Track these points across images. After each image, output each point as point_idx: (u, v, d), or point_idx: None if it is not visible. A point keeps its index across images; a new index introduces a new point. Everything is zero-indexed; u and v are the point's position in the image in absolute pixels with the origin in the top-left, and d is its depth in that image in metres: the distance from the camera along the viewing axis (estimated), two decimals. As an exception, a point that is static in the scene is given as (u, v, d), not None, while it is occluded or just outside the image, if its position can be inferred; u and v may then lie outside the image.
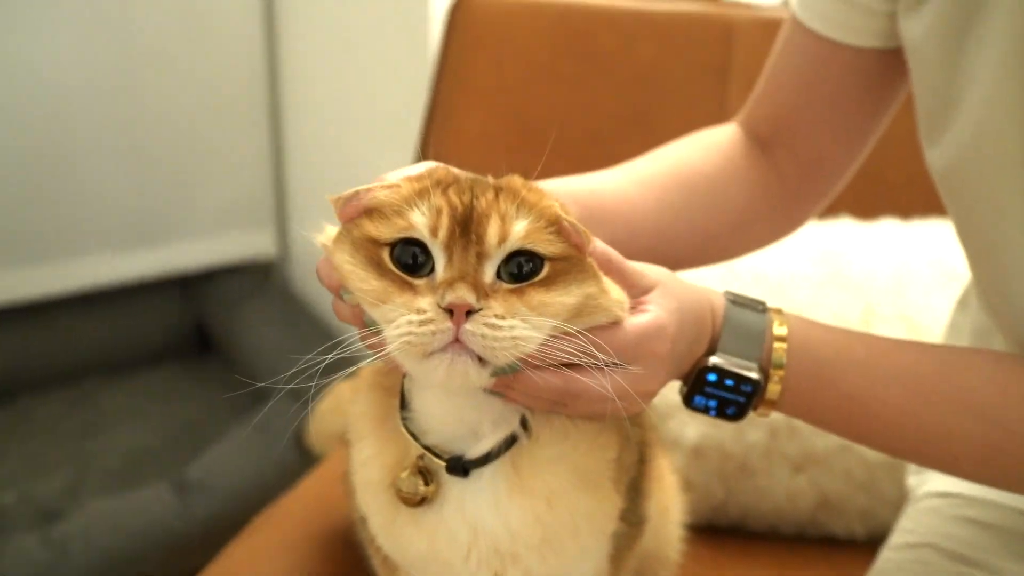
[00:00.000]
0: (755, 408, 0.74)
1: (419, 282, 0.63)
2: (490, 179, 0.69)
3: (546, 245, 0.64)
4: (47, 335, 2.30)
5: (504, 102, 1.47)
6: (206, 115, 2.40)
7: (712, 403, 0.73)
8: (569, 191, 0.81)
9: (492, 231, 0.63)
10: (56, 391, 2.27)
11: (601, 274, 0.67)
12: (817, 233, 1.33)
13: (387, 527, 0.74)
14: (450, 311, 0.60)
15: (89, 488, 1.93)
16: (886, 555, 0.92)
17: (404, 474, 0.71)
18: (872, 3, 0.81)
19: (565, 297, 0.64)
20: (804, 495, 1.22)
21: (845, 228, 1.34)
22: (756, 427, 1.21)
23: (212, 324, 2.48)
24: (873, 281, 1.26)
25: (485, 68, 1.49)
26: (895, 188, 1.38)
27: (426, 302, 0.61)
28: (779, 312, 0.74)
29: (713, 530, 1.22)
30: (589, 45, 1.46)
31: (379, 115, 2.10)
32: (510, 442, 0.70)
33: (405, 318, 0.61)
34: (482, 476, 0.70)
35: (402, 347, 0.61)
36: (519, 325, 0.61)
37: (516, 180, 0.68)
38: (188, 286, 2.51)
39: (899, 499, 1.15)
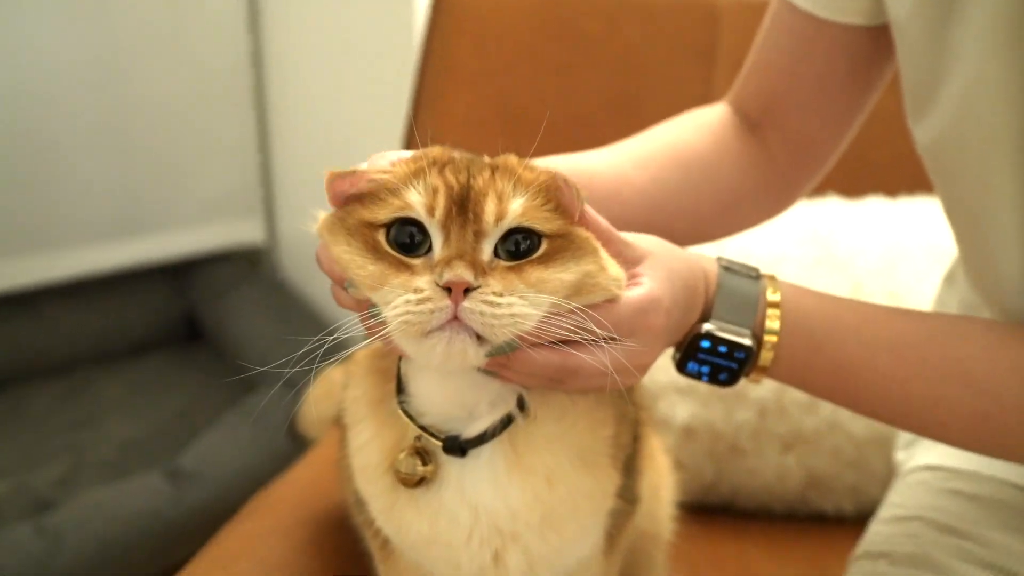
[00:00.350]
0: (747, 375, 0.74)
1: (416, 262, 0.63)
2: (486, 159, 0.69)
3: (543, 222, 0.64)
4: (37, 325, 2.29)
5: (489, 86, 1.47)
6: (192, 103, 2.39)
7: (705, 369, 0.74)
8: (564, 169, 0.81)
9: (489, 209, 0.63)
10: (48, 381, 2.26)
11: (600, 250, 0.67)
12: (805, 212, 1.33)
13: (387, 511, 0.75)
14: (448, 289, 0.60)
15: (82, 478, 1.93)
16: (875, 528, 0.93)
17: (402, 455, 0.71)
18: None
19: (563, 274, 0.64)
20: (793, 474, 1.23)
21: (833, 207, 1.35)
22: (745, 407, 1.22)
23: (201, 312, 2.48)
24: (861, 260, 1.27)
25: (470, 53, 1.48)
26: (881, 166, 1.38)
27: (423, 281, 0.61)
28: (772, 279, 0.75)
29: (704, 509, 1.23)
30: (574, 28, 1.46)
31: (365, 101, 2.09)
32: (507, 422, 0.71)
33: (403, 298, 0.61)
34: (480, 456, 0.71)
35: (400, 327, 0.61)
36: (517, 302, 0.61)
37: (512, 159, 0.68)
38: (177, 274, 2.51)
39: (887, 475, 1.16)
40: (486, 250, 0.63)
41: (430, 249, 0.64)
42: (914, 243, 1.28)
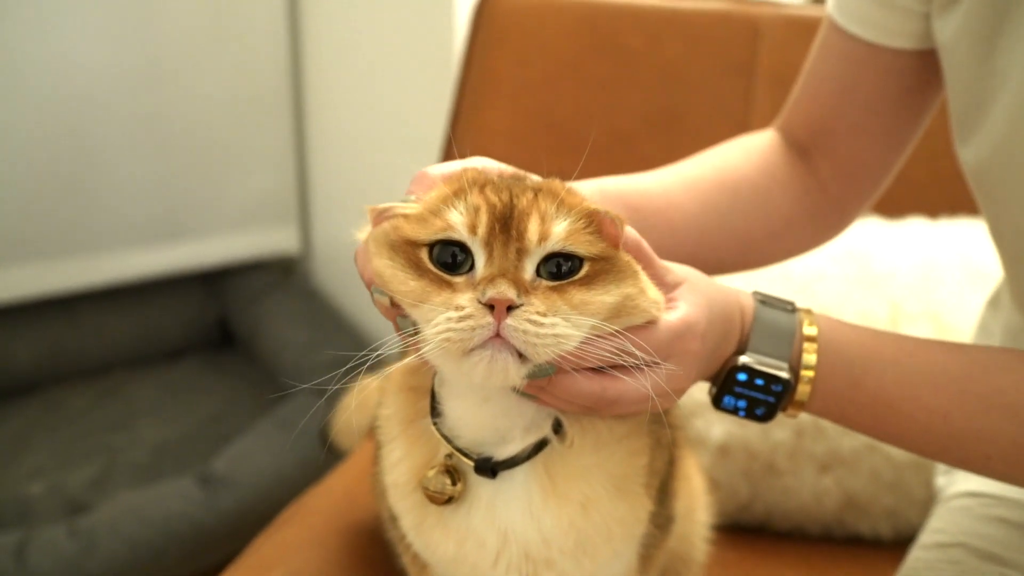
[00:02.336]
0: (784, 409, 0.73)
1: (458, 279, 0.63)
2: (531, 178, 0.69)
3: (586, 246, 0.64)
4: (74, 329, 2.32)
5: (529, 100, 1.47)
6: (231, 112, 2.41)
7: (741, 403, 0.73)
8: (616, 190, 0.82)
9: (533, 228, 0.63)
10: (83, 384, 2.28)
11: (640, 273, 0.67)
12: (844, 232, 1.32)
13: (416, 528, 0.75)
14: (490, 307, 0.60)
15: (115, 480, 1.95)
16: (916, 555, 0.92)
17: (431, 472, 0.71)
18: (909, 3, 0.81)
19: (605, 296, 0.64)
20: (830, 495, 1.22)
21: (872, 227, 1.34)
22: (782, 426, 1.21)
23: (235, 319, 2.50)
24: (900, 280, 1.26)
25: (510, 66, 1.49)
26: (922, 187, 1.37)
27: (465, 298, 0.61)
28: (808, 312, 0.74)
29: (739, 529, 1.22)
30: (615, 43, 1.46)
31: (404, 113, 2.10)
32: (539, 446, 0.70)
33: (444, 315, 0.61)
34: (513, 480, 0.70)
35: (441, 345, 0.61)
36: (560, 323, 0.61)
37: (556, 183, 0.68)
38: (211, 281, 2.52)
39: (926, 499, 1.15)
40: (528, 269, 0.63)
41: (472, 268, 0.64)
42: (953, 263, 1.27)
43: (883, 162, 0.91)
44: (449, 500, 0.71)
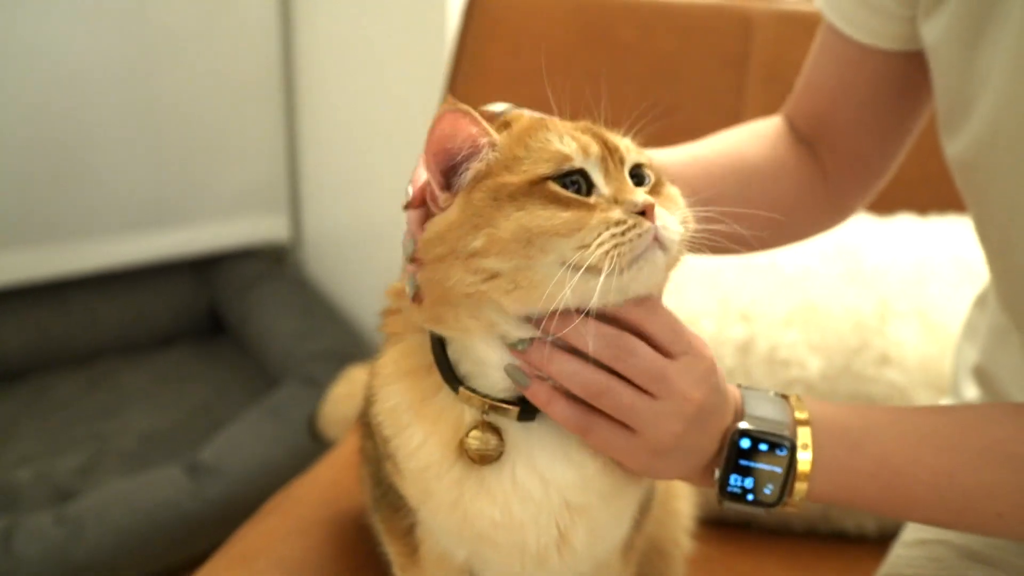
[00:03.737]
0: (790, 491, 0.71)
1: (595, 199, 0.66)
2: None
3: (652, 163, 0.72)
4: (63, 315, 2.32)
5: (521, 92, 1.45)
6: (222, 99, 2.40)
7: (748, 482, 0.70)
8: (662, 158, 0.84)
9: (622, 145, 0.70)
10: (71, 371, 2.28)
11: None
12: (834, 229, 1.32)
13: (452, 507, 0.73)
14: (641, 212, 0.64)
15: (103, 467, 1.95)
16: (898, 551, 0.92)
17: (473, 432, 0.70)
18: (892, 8, 0.82)
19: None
20: (815, 490, 1.22)
21: (861, 223, 1.34)
22: (769, 421, 1.21)
23: (225, 307, 2.50)
24: (889, 277, 1.26)
25: (502, 57, 1.48)
26: (912, 184, 1.37)
27: (617, 212, 0.65)
28: (797, 398, 0.73)
29: (724, 525, 1.22)
30: (607, 36, 1.46)
31: (395, 103, 2.10)
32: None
33: (608, 232, 0.63)
34: (549, 428, 0.70)
35: (611, 261, 0.63)
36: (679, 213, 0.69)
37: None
38: (202, 269, 2.52)
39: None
40: (627, 179, 0.68)
41: (590, 190, 0.66)
42: (943, 261, 1.27)
43: (882, 155, 0.92)
44: (496, 458, 0.71)
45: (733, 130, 0.95)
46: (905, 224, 1.34)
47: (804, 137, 0.94)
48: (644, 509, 0.82)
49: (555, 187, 0.66)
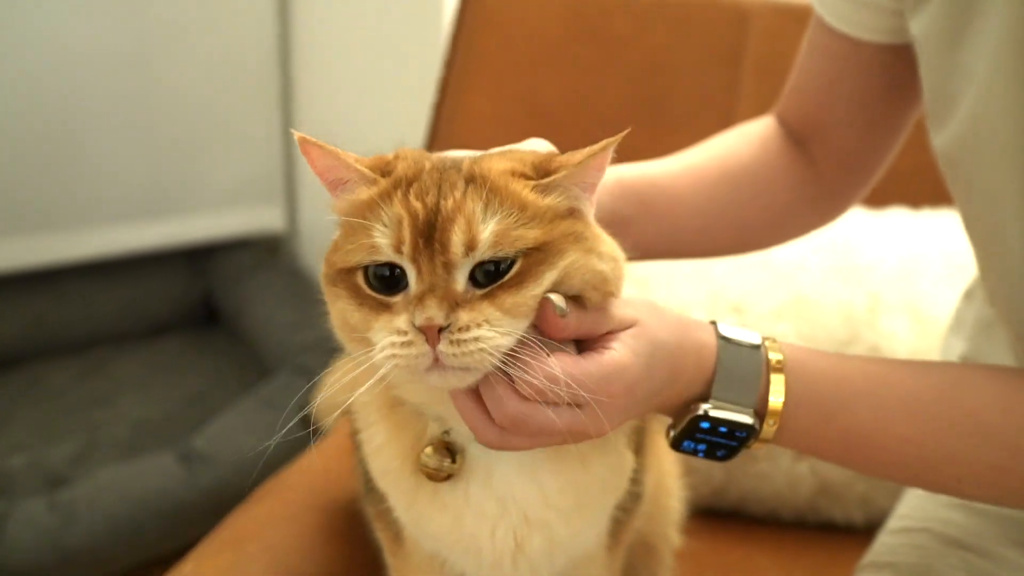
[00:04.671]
0: (748, 447, 0.72)
1: (396, 299, 0.62)
2: (467, 166, 0.65)
3: (518, 241, 0.62)
4: (57, 303, 2.31)
5: (516, 84, 1.48)
6: (218, 89, 2.40)
7: (701, 447, 0.71)
8: (632, 181, 0.83)
9: (456, 240, 0.61)
10: (65, 359, 2.28)
11: (588, 233, 0.65)
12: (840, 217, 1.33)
13: (408, 508, 0.75)
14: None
15: (96, 455, 1.95)
16: (882, 539, 0.93)
17: (428, 450, 0.70)
18: (880, 0, 0.82)
19: (538, 288, 0.62)
20: (804, 481, 1.23)
21: (853, 217, 1.34)
22: (758, 412, 1.22)
23: (219, 297, 2.50)
24: (880, 271, 1.27)
25: (497, 49, 1.49)
26: (905, 177, 1.37)
27: (403, 321, 0.61)
28: (775, 344, 0.72)
29: (713, 514, 1.23)
30: (602, 29, 1.46)
31: (390, 94, 2.10)
32: None
33: (388, 340, 0.61)
34: None
35: (393, 368, 0.61)
36: (485, 333, 0.60)
37: (494, 164, 0.64)
38: (197, 259, 2.52)
39: (898, 487, 1.16)
40: (460, 279, 0.61)
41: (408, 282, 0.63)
42: (934, 254, 1.28)
43: (875, 150, 0.92)
44: (448, 477, 0.71)
45: (724, 134, 0.95)
46: (896, 218, 1.35)
47: (796, 136, 0.94)
48: (629, 509, 0.82)
49: (359, 281, 0.64)
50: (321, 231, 2.52)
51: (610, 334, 0.65)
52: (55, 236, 2.26)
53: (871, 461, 0.74)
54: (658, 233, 0.81)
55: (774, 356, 0.70)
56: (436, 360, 0.60)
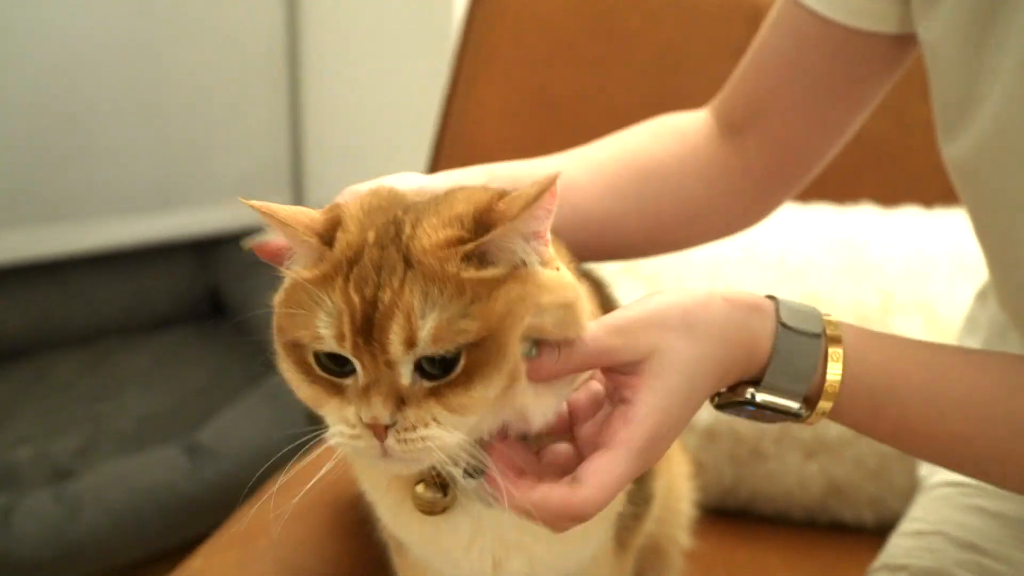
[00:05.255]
0: (792, 422, 0.69)
1: (347, 382, 0.60)
2: (409, 226, 0.60)
3: (461, 336, 0.57)
4: (63, 295, 2.32)
5: (526, 78, 1.47)
6: (226, 81, 2.40)
7: (744, 415, 0.69)
8: (508, 176, 0.77)
9: (395, 339, 0.57)
10: (70, 351, 2.28)
11: (532, 283, 0.60)
12: (837, 220, 1.32)
13: (394, 518, 0.75)
14: None
15: (101, 448, 1.95)
16: (895, 541, 0.92)
17: (419, 487, 0.69)
18: None
19: (487, 391, 0.59)
20: (815, 481, 1.22)
21: (866, 215, 1.34)
22: (769, 411, 1.21)
23: (225, 290, 2.49)
24: (892, 270, 1.26)
25: (508, 43, 1.48)
26: (918, 176, 1.37)
27: (351, 413, 0.59)
28: (835, 331, 0.68)
29: (722, 513, 1.22)
30: (613, 23, 1.45)
31: (400, 86, 2.09)
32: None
33: (338, 427, 0.60)
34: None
35: (344, 452, 0.61)
36: (433, 433, 0.59)
37: (430, 236, 0.59)
38: (203, 251, 2.52)
39: (909, 488, 1.15)
40: (404, 373, 0.58)
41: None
42: (947, 254, 1.27)
43: (815, 149, 0.89)
44: (444, 510, 0.69)
45: (634, 128, 0.91)
46: (909, 216, 1.34)
47: (734, 126, 0.89)
48: (638, 515, 0.81)
49: (310, 359, 0.61)
50: (328, 225, 2.51)
51: (633, 372, 0.62)
52: (61, 228, 2.27)
53: (919, 450, 0.73)
54: (559, 221, 0.68)
55: (834, 349, 0.67)
56: (385, 452, 0.59)
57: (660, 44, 1.44)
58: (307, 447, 0.68)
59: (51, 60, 2.15)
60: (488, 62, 1.47)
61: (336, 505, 1.03)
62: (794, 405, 0.66)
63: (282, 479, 0.71)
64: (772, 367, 0.65)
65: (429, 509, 0.69)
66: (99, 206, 2.31)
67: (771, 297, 0.68)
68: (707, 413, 1.20)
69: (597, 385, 0.67)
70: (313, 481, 0.67)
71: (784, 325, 0.66)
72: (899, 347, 0.70)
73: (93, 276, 2.35)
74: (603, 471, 0.60)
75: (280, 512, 0.70)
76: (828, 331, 0.67)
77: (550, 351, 0.60)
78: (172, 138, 2.37)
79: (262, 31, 2.41)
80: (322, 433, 0.64)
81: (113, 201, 2.32)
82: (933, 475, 0.99)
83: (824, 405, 0.66)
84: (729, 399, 0.68)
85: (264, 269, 2.23)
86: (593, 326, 0.62)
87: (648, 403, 0.61)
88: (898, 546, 0.91)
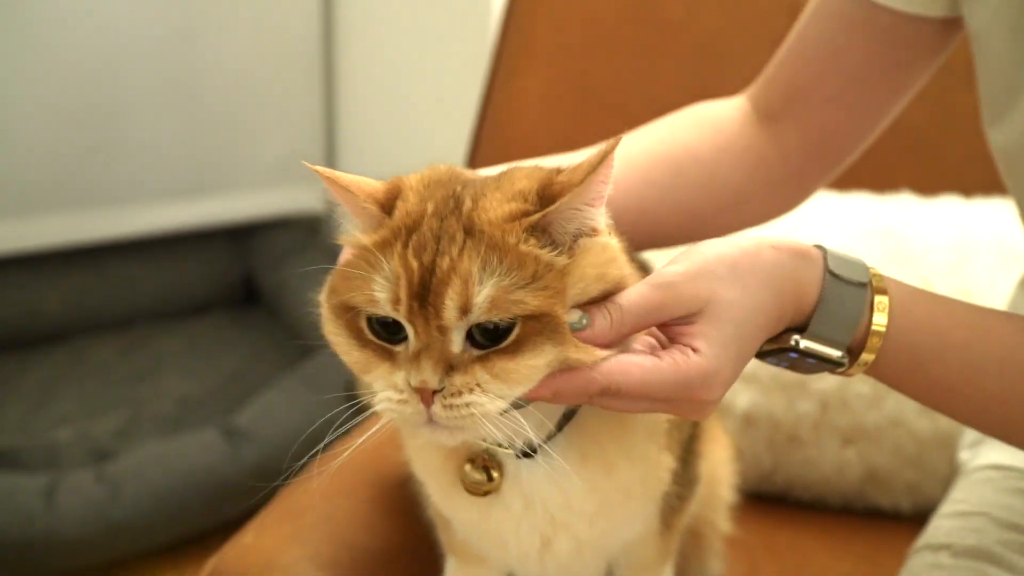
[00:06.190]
0: (832, 372, 0.70)
1: (398, 348, 0.62)
2: (469, 200, 0.62)
3: (517, 307, 0.59)
4: (101, 280, 2.35)
5: (567, 66, 1.47)
6: (262, 68, 2.42)
7: (784, 364, 0.70)
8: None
9: (450, 305, 0.58)
10: (108, 335, 2.32)
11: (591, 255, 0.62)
12: (877, 209, 1.32)
13: (444, 497, 0.77)
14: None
15: (140, 430, 1.98)
16: (937, 523, 0.93)
17: (468, 467, 0.71)
18: None
19: (536, 359, 0.60)
20: (852, 468, 1.23)
21: (905, 204, 1.34)
22: (807, 399, 1.22)
23: (260, 276, 2.52)
24: (932, 258, 1.26)
25: (548, 32, 1.48)
26: (957, 165, 1.37)
27: (400, 378, 0.61)
28: (881, 282, 0.68)
29: (760, 497, 1.23)
30: (654, 11, 1.46)
31: (437, 75, 2.10)
32: (568, 414, 0.70)
33: (386, 393, 0.61)
34: (539, 453, 0.70)
35: (389, 417, 0.63)
36: (477, 399, 0.60)
37: (494, 209, 0.61)
38: (237, 238, 2.55)
39: (947, 475, 1.16)
40: (456, 340, 0.60)
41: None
42: (986, 242, 1.26)
43: (854, 135, 0.89)
44: (487, 493, 0.71)
45: (671, 117, 0.91)
46: (948, 205, 1.34)
47: (771, 114, 0.89)
48: (684, 496, 0.82)
49: (363, 324, 0.63)
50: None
51: (688, 323, 0.63)
52: (99, 214, 2.30)
53: (952, 409, 0.73)
54: None
55: (880, 300, 0.67)
56: (430, 419, 0.60)
57: (701, 33, 1.44)
58: (346, 427, 0.69)
59: (88, 49, 2.18)
60: (528, 51, 1.48)
61: (383, 484, 1.05)
62: (836, 353, 0.67)
63: (340, 459, 0.72)
64: (818, 315, 0.66)
65: (476, 490, 0.71)
66: (136, 193, 2.33)
67: (819, 246, 0.69)
68: (745, 398, 1.22)
69: (650, 339, 0.67)
70: (360, 441, 0.68)
71: (832, 273, 0.66)
72: (943, 305, 0.71)
73: (130, 261, 2.39)
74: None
75: (323, 470, 0.71)
76: (874, 282, 0.68)
77: (602, 317, 0.61)
78: (208, 126, 2.39)
79: (298, 18, 2.42)
80: (360, 415, 0.66)
81: (149, 188, 2.35)
82: (975, 459, 0.99)
83: (867, 356, 0.67)
84: (771, 346, 0.68)
85: (296, 256, 2.27)
86: (641, 285, 0.63)
87: (703, 352, 0.62)
88: (939, 527, 0.91)
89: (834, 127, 0.88)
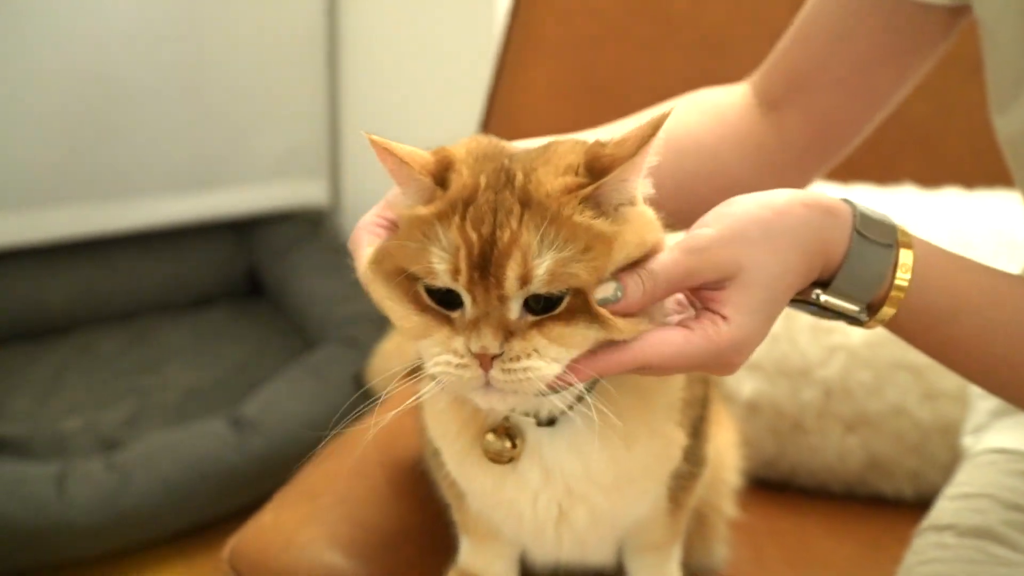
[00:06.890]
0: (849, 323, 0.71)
1: (456, 314, 0.63)
2: (522, 174, 0.63)
3: (572, 279, 0.61)
4: (107, 272, 2.36)
5: (573, 59, 1.49)
6: (266, 61, 2.43)
7: (806, 311, 0.71)
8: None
9: (511, 275, 0.61)
10: (114, 327, 2.33)
11: (631, 225, 0.64)
12: (878, 200, 1.34)
13: (459, 465, 0.78)
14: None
15: (147, 420, 2.00)
16: (941, 504, 0.94)
17: (490, 436, 0.73)
18: None
19: (588, 330, 0.62)
20: (855, 455, 1.25)
21: (907, 197, 1.35)
22: (811, 386, 1.24)
23: (264, 269, 2.54)
24: (934, 248, 1.27)
25: (554, 24, 1.50)
26: (959, 157, 1.38)
27: (460, 343, 0.62)
28: (907, 241, 0.69)
29: (764, 483, 1.25)
30: (660, 4, 1.47)
31: (443, 68, 2.11)
32: (588, 387, 0.71)
33: (444, 357, 0.63)
34: (564, 428, 0.73)
35: (444, 380, 0.64)
36: (534, 363, 0.62)
37: (552, 181, 0.63)
38: (241, 231, 2.56)
39: (950, 462, 1.17)
40: (514, 308, 0.62)
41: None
42: (989, 235, 1.28)
43: (855, 123, 0.90)
44: (509, 460, 0.73)
45: (675, 100, 0.92)
46: (950, 198, 1.35)
47: (773, 101, 0.90)
48: (694, 474, 0.84)
49: (421, 290, 0.64)
50: (364, 207, 2.53)
51: (719, 287, 0.64)
52: (104, 207, 2.31)
53: (962, 368, 0.74)
54: None
55: (904, 260, 0.68)
56: (487, 383, 0.62)
57: (706, 26, 1.45)
58: (354, 415, 0.71)
59: (94, 43, 2.18)
60: (534, 44, 1.49)
61: (398, 466, 1.07)
62: (856, 308, 0.68)
63: (371, 432, 0.73)
64: (842, 273, 0.67)
65: (500, 458, 0.73)
66: (141, 186, 2.34)
67: (847, 201, 0.69)
68: (749, 386, 1.24)
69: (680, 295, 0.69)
70: (389, 416, 0.70)
71: (859, 233, 0.67)
72: (959, 265, 0.72)
73: (136, 254, 2.40)
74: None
75: (378, 422, 0.72)
76: (900, 238, 0.69)
77: (635, 285, 0.63)
78: (213, 119, 2.40)
79: (303, 12, 2.43)
80: (364, 405, 0.68)
81: (155, 181, 2.36)
82: (978, 443, 1.01)
83: (887, 311, 0.68)
84: (795, 297, 0.69)
85: (300, 249, 2.27)
86: (674, 250, 0.64)
87: (733, 320, 0.63)
88: (944, 508, 0.93)
89: (836, 114, 0.89)
